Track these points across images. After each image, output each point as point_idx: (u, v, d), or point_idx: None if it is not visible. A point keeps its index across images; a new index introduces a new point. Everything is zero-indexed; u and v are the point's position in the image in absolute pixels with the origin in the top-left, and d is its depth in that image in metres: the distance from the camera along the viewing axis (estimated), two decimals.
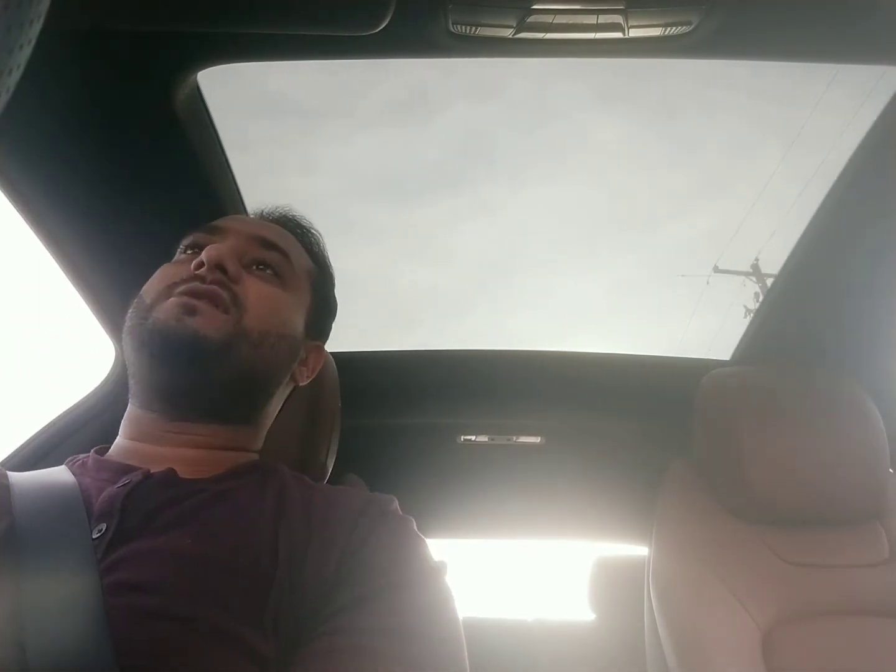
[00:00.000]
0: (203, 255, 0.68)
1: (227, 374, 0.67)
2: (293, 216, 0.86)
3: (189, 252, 0.74)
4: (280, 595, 0.55)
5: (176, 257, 0.76)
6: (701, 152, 1.14)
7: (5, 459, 1.03)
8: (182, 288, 0.67)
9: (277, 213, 0.85)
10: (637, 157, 1.15)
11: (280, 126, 1.13)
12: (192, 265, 0.69)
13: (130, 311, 0.70)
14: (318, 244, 0.86)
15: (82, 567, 0.53)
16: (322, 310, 0.83)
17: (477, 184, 1.24)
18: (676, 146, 1.12)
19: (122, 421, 0.71)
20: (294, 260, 0.77)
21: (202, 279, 0.67)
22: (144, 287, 0.71)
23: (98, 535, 0.56)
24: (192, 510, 0.60)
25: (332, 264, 0.88)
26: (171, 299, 0.66)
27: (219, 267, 0.68)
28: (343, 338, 1.41)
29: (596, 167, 1.17)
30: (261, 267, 0.73)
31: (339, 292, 0.88)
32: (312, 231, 0.86)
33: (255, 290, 0.70)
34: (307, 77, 1.05)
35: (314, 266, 0.83)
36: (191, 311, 0.64)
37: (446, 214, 1.27)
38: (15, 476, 0.65)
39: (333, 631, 0.53)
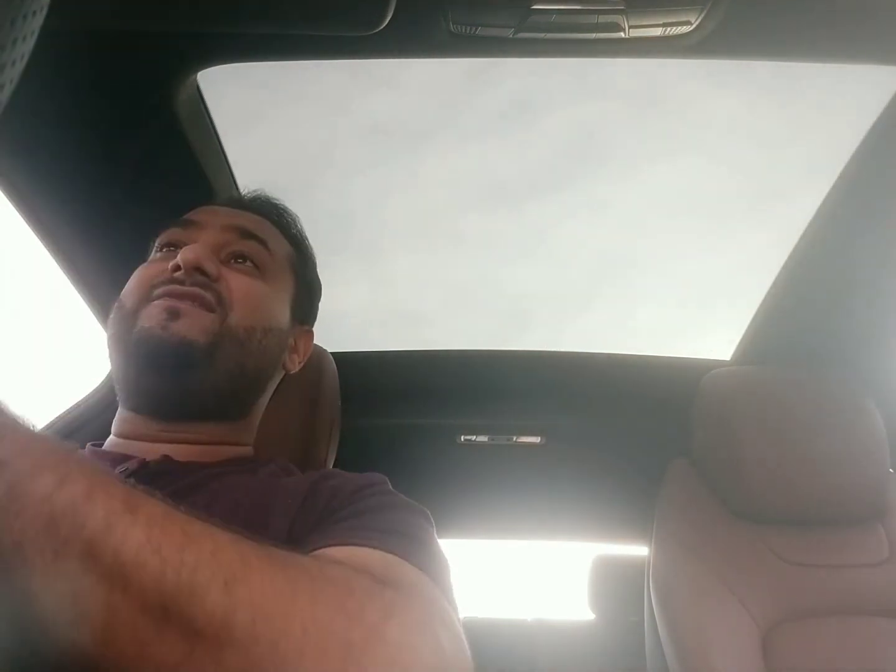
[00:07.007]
0: (179, 258, 0.66)
1: (217, 377, 0.67)
2: (267, 198, 0.83)
3: (165, 251, 0.73)
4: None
5: (151, 257, 0.74)
6: (823, 123, 1.08)
7: None
8: (161, 289, 0.66)
9: (250, 197, 0.83)
10: (755, 131, 1.11)
11: (387, 147, 1.14)
12: (169, 267, 0.67)
13: (112, 316, 0.69)
14: (294, 225, 0.83)
15: None
16: (306, 293, 0.82)
17: (586, 180, 1.20)
18: (797, 118, 1.07)
19: (114, 421, 0.72)
20: (272, 247, 0.76)
21: (181, 282, 0.66)
22: (123, 291, 0.69)
23: None
24: (188, 487, 0.61)
25: (438, 271, 0.85)
26: (154, 303, 0.65)
27: (197, 269, 0.66)
28: (461, 341, 1.41)
29: (711, 144, 1.13)
30: (240, 260, 0.72)
31: (454, 301, 0.85)
32: (288, 211, 0.83)
33: (237, 286, 0.69)
34: (409, 97, 1.06)
35: (293, 249, 0.81)
36: (174, 314, 0.64)
37: (556, 215, 1.24)
38: None
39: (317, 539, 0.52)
